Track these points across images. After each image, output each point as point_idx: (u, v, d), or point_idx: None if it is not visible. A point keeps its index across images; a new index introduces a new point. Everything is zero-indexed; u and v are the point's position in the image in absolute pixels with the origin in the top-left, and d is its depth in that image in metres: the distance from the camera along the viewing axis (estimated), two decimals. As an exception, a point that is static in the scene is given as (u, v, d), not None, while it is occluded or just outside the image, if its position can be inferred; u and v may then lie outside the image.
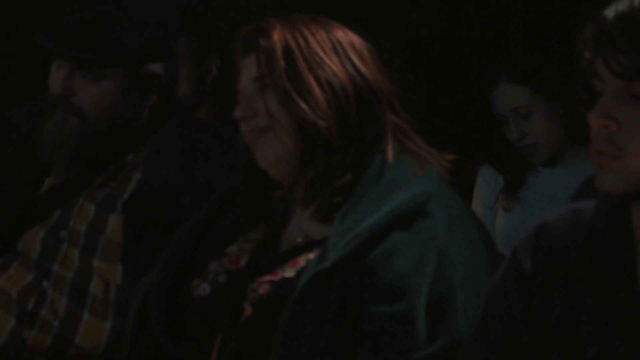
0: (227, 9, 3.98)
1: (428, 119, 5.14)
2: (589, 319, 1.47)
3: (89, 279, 2.26)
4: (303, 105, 1.80)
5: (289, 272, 1.79)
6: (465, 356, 1.58)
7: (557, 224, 1.56)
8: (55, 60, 2.28)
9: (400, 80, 5.25)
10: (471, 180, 3.30)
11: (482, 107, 3.17)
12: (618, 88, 1.40)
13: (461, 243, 1.77)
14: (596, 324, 1.46)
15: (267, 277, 1.80)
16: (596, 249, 1.50)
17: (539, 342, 1.51)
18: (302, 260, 1.80)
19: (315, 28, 1.86)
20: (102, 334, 2.24)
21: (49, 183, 2.37)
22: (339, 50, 1.85)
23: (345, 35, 1.88)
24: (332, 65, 1.83)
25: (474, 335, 1.57)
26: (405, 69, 5.31)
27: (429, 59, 5.25)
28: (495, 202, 3.16)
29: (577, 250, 1.51)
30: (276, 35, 1.84)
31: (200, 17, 3.23)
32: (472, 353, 1.56)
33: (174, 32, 2.33)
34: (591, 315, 1.47)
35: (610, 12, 1.41)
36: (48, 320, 2.26)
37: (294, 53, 1.82)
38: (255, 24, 1.88)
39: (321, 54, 1.83)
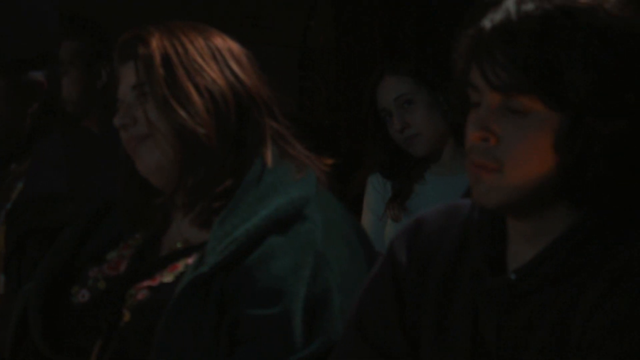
0: (119, 14, 3.97)
1: (327, 125, 5.20)
2: (460, 310, 1.51)
3: (-28, 289, 2.24)
4: (182, 113, 1.81)
5: (167, 277, 1.80)
6: (340, 349, 1.61)
7: (434, 218, 1.60)
8: None
9: (299, 87, 5.29)
10: (362, 188, 3.31)
11: (368, 106, 3.19)
12: (496, 101, 1.42)
13: (339, 246, 1.80)
14: (467, 314, 1.50)
15: (146, 283, 1.80)
16: (470, 242, 1.54)
17: (412, 334, 1.55)
18: (180, 265, 1.82)
19: (194, 35, 1.87)
20: (-14, 344, 2.22)
21: None
22: (217, 57, 1.86)
23: (224, 42, 1.89)
24: (211, 72, 1.84)
25: (349, 328, 1.60)
26: (304, 76, 5.35)
27: (327, 66, 5.30)
28: (385, 211, 3.18)
29: (451, 243, 1.56)
30: (154, 43, 1.84)
31: (90, 21, 3.21)
32: (347, 346, 1.59)
33: (55, 38, 2.32)
34: (462, 306, 1.51)
35: (486, 23, 1.42)
36: None
37: (173, 61, 1.83)
38: (133, 32, 1.88)
39: (200, 61, 1.85)
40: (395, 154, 3.16)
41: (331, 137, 5.00)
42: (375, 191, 3.23)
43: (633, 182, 1.42)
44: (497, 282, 1.48)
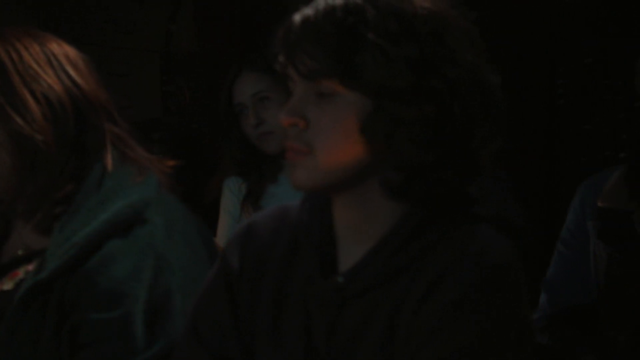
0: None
1: (191, 129, 5.18)
2: (292, 313, 1.53)
3: None
4: (19, 120, 1.79)
5: (7, 285, 1.79)
6: (178, 353, 1.61)
7: (264, 221, 1.62)
8: None
9: (162, 92, 5.26)
10: (219, 191, 3.30)
11: (225, 101, 3.17)
12: (306, 88, 1.46)
13: (180, 248, 1.81)
14: (299, 318, 1.52)
15: (-15, 292, 1.79)
16: (300, 243, 1.56)
17: (247, 338, 1.56)
18: (21, 272, 1.80)
19: (28, 41, 1.86)
20: None
21: None
22: (53, 63, 1.85)
23: (59, 48, 1.88)
24: (48, 78, 1.83)
25: (186, 332, 1.61)
26: (167, 81, 5.32)
27: (189, 70, 5.28)
28: (241, 213, 3.19)
29: (283, 245, 1.57)
30: (-13, 50, 1.83)
31: None
32: (184, 350, 1.60)
33: None
34: (295, 310, 1.53)
35: (297, 17, 1.47)
36: None
37: (7, 68, 1.82)
38: (-35, 39, 1.86)
39: (35, 67, 1.83)
40: (249, 150, 3.16)
41: (195, 142, 4.99)
42: (232, 193, 3.22)
43: (452, 175, 1.45)
44: (326, 285, 1.50)
